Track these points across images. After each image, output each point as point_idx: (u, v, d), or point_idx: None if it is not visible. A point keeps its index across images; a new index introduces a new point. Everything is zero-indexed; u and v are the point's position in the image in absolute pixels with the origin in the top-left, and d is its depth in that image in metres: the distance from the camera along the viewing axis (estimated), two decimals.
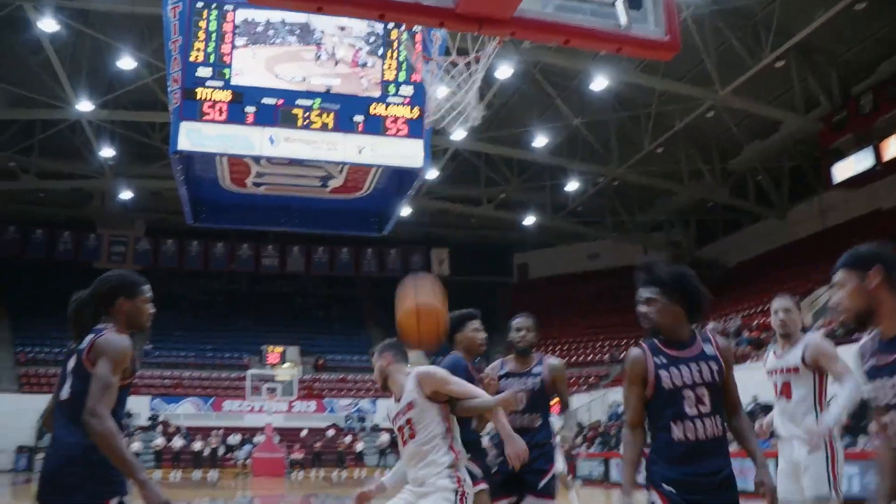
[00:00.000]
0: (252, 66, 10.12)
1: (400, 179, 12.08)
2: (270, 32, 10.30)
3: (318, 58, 10.68)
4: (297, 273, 37.84)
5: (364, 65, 10.58)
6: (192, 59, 9.75)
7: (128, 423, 27.52)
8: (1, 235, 34.31)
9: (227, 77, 9.91)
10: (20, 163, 28.36)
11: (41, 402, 3.26)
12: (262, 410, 29.81)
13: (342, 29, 10.67)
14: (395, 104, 10.51)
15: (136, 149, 28.39)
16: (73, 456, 2.94)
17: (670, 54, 3.62)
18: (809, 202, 28.17)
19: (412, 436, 4.14)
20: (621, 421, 3.13)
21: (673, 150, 27.31)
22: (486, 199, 32.44)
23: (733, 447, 3.27)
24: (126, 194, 31.02)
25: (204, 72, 9.91)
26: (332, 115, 10.36)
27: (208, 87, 9.89)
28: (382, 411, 28.96)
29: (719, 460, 3.12)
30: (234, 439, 29.23)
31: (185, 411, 30.72)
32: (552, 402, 5.09)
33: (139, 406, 29.12)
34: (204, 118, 9.85)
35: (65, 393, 3.10)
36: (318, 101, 10.33)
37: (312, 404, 32.19)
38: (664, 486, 3.07)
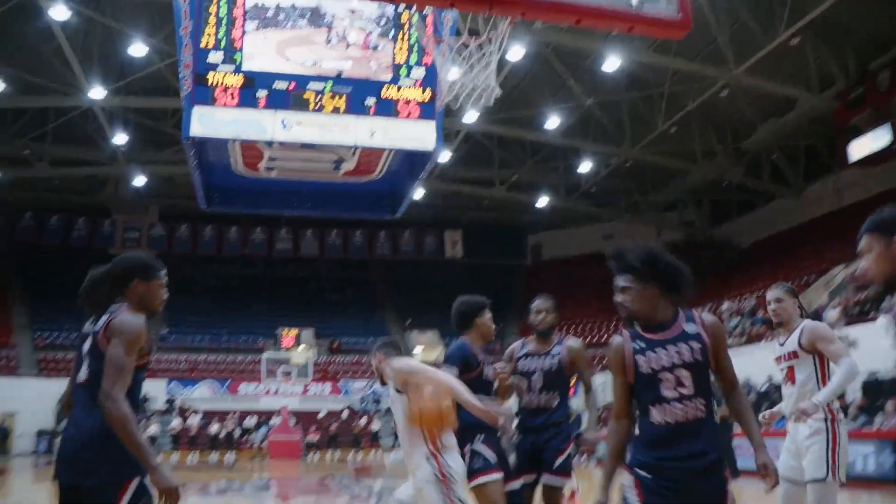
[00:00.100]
0: (263, 51, 10.11)
1: (412, 162, 12.07)
2: (281, 16, 10.28)
3: (329, 41, 10.65)
4: (310, 256, 37.97)
5: (375, 48, 10.55)
6: (203, 44, 9.76)
7: (146, 406, 27.82)
8: (17, 223, 34.64)
9: (238, 62, 9.92)
10: (34, 150, 28.55)
11: (60, 386, 3.29)
12: (278, 393, 30.04)
13: (353, 12, 10.63)
14: (406, 87, 10.49)
15: (148, 135, 28.50)
16: (92, 436, 2.97)
17: (682, 32, 3.59)
18: (825, 181, 27.94)
19: (397, 425, 4.44)
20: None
21: (686, 129, 27.11)
22: (498, 181, 32.36)
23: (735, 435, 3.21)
24: (139, 180, 31.16)
25: (215, 57, 9.91)
26: (343, 98, 10.36)
27: (220, 71, 9.90)
28: None
29: (701, 443, 2.98)
30: (250, 422, 29.48)
31: (202, 395, 30.98)
32: (571, 384, 5.13)
33: (156, 390, 29.38)
34: (216, 103, 9.86)
35: (82, 375, 3.13)
36: (330, 84, 10.32)
37: (327, 387, 32.38)
38: (638, 469, 3.01)
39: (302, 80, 10.47)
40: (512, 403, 5.10)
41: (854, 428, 14.06)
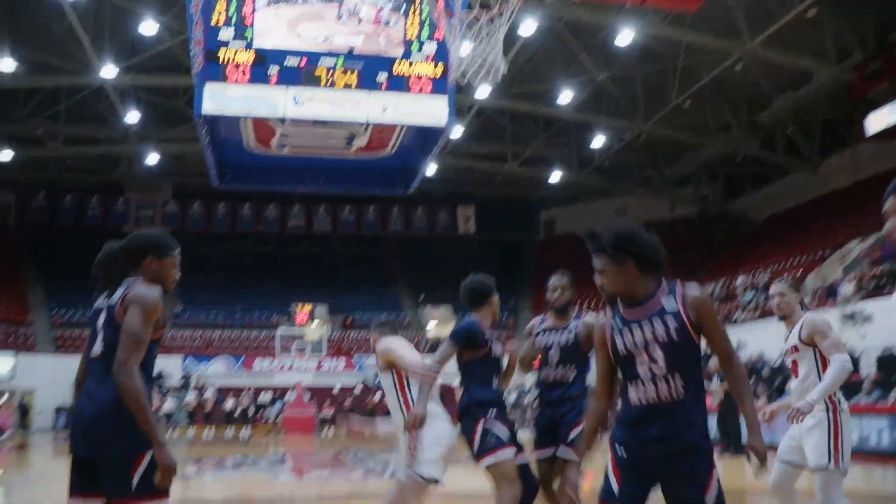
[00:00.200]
0: (274, 27, 10.07)
1: (425, 137, 12.04)
2: None
3: (340, 17, 10.60)
4: (323, 233, 38.07)
5: (387, 23, 10.49)
6: (213, 21, 9.73)
7: (161, 382, 28.09)
8: (31, 202, 34.86)
9: (249, 38, 9.88)
10: (47, 130, 28.64)
11: (77, 362, 3.32)
12: (292, 369, 30.22)
13: None
14: (418, 62, 10.43)
15: (160, 113, 28.52)
16: (105, 410, 2.98)
17: (696, 5, 3.55)
18: (841, 155, 27.64)
19: (387, 400, 4.93)
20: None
21: (700, 103, 26.84)
22: (511, 156, 32.23)
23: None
24: (152, 158, 31.23)
25: (226, 34, 9.89)
26: (355, 73, 10.32)
27: (231, 48, 9.87)
28: None
29: (675, 424, 2.88)
30: (264, 397, 29.72)
31: (216, 371, 31.24)
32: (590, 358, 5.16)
33: (171, 366, 29.66)
34: (227, 80, 9.84)
35: (97, 349, 3.15)
36: (342, 60, 10.28)
37: (341, 362, 32.58)
38: (616, 445, 2.99)
39: (313, 57, 10.44)
40: (529, 378, 5.22)
41: (868, 402, 14.05)
